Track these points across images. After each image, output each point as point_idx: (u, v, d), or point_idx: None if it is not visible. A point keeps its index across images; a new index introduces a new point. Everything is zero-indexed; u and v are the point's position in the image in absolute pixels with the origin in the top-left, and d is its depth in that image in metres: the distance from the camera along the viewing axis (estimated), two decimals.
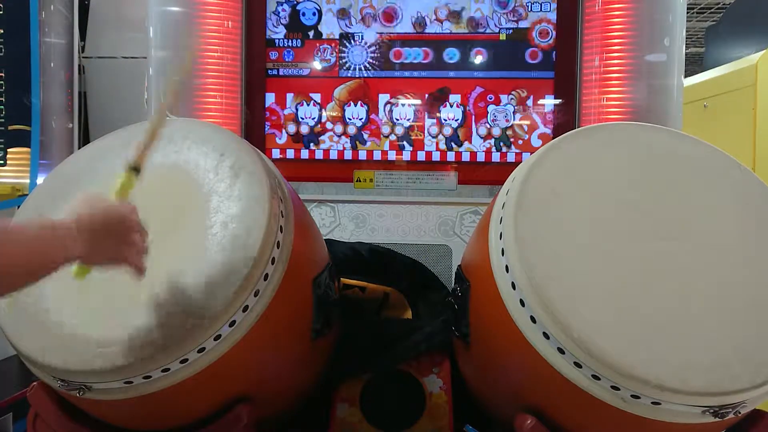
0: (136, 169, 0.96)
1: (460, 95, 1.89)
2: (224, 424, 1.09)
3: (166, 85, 1.08)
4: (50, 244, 0.82)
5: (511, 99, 1.87)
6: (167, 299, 1.00)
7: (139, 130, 1.23)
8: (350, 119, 1.91)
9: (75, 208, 0.88)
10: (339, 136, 1.91)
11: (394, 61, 1.90)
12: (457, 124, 1.89)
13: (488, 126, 1.88)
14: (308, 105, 1.91)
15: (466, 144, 1.89)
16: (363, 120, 1.90)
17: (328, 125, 1.91)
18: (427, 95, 1.89)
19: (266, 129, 1.93)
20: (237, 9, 1.88)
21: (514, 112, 1.88)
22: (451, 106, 1.89)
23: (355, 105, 1.89)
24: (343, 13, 1.90)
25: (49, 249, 0.82)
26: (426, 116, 1.89)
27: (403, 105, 1.90)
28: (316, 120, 1.91)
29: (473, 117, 1.88)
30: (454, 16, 1.88)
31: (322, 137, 1.91)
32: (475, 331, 1.25)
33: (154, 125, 1.00)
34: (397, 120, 1.90)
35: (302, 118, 1.92)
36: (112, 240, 0.90)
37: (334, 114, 1.90)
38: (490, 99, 1.88)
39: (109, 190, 0.94)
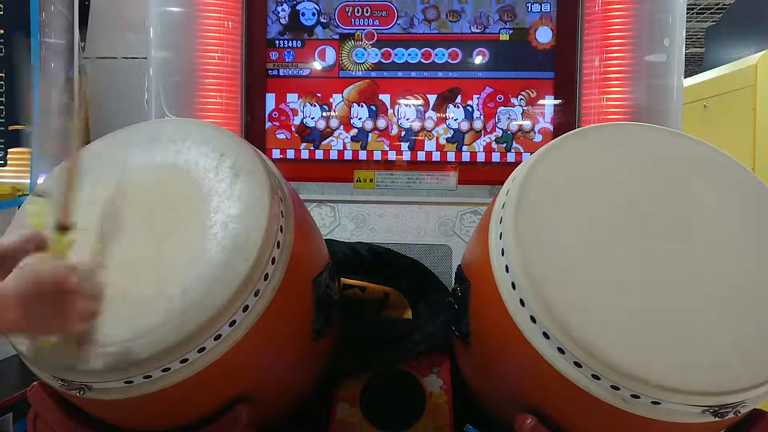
0: (64, 227, 0.91)
1: (460, 95, 1.89)
2: (224, 424, 1.09)
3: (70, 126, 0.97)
4: None
5: (521, 99, 1.87)
6: (167, 299, 1.00)
7: (138, 133, 1.23)
8: (353, 119, 1.91)
9: (13, 272, 0.83)
10: (344, 137, 1.91)
11: (397, 62, 1.90)
12: (463, 125, 1.89)
13: (494, 125, 1.88)
14: (311, 105, 1.92)
15: (465, 144, 1.88)
16: (366, 120, 1.90)
17: (332, 123, 1.91)
18: (436, 96, 1.89)
19: (267, 129, 1.93)
20: (237, 9, 1.88)
21: (522, 114, 1.87)
22: (456, 107, 1.89)
23: (364, 105, 1.89)
24: (343, 13, 1.90)
25: None
26: (434, 116, 1.89)
27: (408, 105, 1.89)
28: (317, 120, 1.91)
29: (483, 117, 1.88)
30: (455, 16, 1.88)
31: (326, 138, 1.91)
32: (475, 331, 1.25)
33: (68, 178, 0.93)
34: (407, 119, 1.89)
35: (305, 118, 1.92)
36: (54, 308, 0.84)
37: (342, 114, 1.90)
38: (500, 99, 1.87)
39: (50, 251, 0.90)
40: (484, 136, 1.88)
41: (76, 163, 0.94)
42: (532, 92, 1.87)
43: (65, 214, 0.92)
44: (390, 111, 1.90)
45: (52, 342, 0.89)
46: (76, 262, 0.88)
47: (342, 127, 1.90)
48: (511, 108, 1.88)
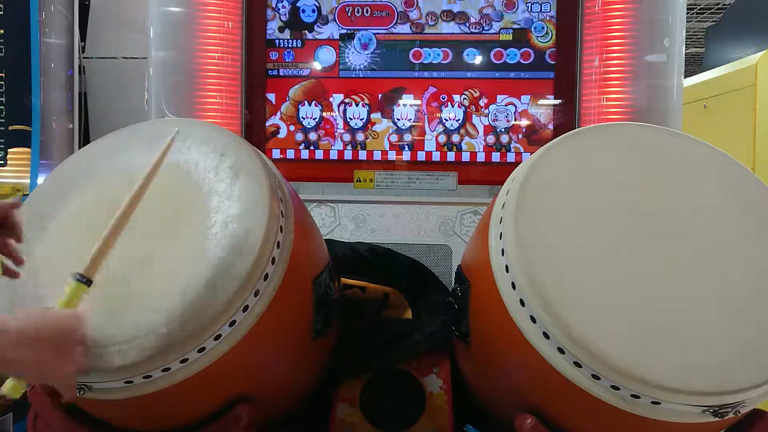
0: (88, 281, 0.94)
1: (459, 95, 1.89)
2: (224, 424, 1.09)
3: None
4: None
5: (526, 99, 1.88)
6: (167, 299, 1.00)
7: (138, 133, 1.23)
8: (351, 119, 1.91)
9: (22, 315, 0.83)
10: (338, 137, 1.91)
11: (403, 62, 1.90)
12: (458, 125, 1.89)
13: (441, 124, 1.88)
14: (309, 105, 1.92)
15: (465, 144, 1.89)
16: (317, 120, 1.91)
17: (329, 123, 1.91)
18: (380, 95, 1.90)
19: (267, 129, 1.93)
20: (237, 9, 1.88)
21: (520, 114, 1.88)
22: (444, 106, 1.89)
23: (310, 105, 1.90)
24: (343, 14, 1.90)
25: None
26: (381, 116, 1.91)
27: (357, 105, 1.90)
28: (317, 120, 1.91)
29: (426, 117, 1.89)
30: (455, 16, 1.88)
31: (324, 138, 1.91)
32: (475, 331, 1.25)
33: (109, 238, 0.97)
34: (351, 119, 1.90)
35: (303, 118, 1.92)
36: (53, 353, 0.83)
37: (289, 114, 1.91)
38: (443, 99, 1.88)
39: (57, 300, 0.91)
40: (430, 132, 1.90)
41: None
42: (475, 91, 1.88)
43: (94, 269, 0.95)
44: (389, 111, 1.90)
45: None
46: (82, 313, 0.89)
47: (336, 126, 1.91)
48: (512, 108, 1.88)
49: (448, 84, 1.89)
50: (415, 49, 1.89)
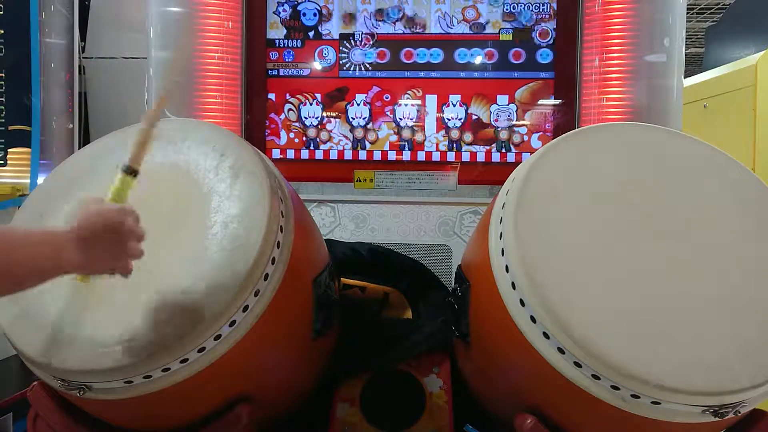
0: (132, 171, 0.95)
1: (460, 95, 1.89)
2: (224, 424, 1.09)
3: (163, 87, 1.00)
4: (49, 254, 0.82)
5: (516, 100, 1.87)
6: (168, 299, 1.00)
7: (130, 134, 1.23)
8: (353, 118, 1.91)
9: (74, 214, 0.87)
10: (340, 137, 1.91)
11: (403, 62, 1.90)
12: (460, 124, 1.89)
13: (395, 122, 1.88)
14: (311, 105, 1.92)
15: (465, 144, 1.89)
16: (318, 119, 1.91)
17: (329, 125, 1.91)
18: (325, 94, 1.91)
19: (266, 129, 1.93)
20: (237, 9, 1.88)
21: (518, 111, 1.88)
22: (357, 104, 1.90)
23: (311, 104, 1.90)
24: (347, 15, 1.90)
25: (47, 258, 0.82)
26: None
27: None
28: (318, 120, 1.91)
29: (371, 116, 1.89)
30: (456, 15, 1.88)
31: (324, 137, 1.91)
32: (475, 331, 1.25)
33: (149, 124, 0.98)
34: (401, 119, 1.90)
35: (305, 118, 1.92)
36: (109, 247, 0.88)
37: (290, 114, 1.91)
38: (387, 99, 1.87)
39: (106, 192, 0.93)
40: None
41: (156, 117, 0.99)
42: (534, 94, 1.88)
43: (138, 159, 0.95)
44: (389, 111, 1.90)
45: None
46: (129, 206, 0.92)
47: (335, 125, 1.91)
48: (514, 108, 1.88)
49: (448, 84, 1.89)
50: (411, 49, 1.89)
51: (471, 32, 1.88)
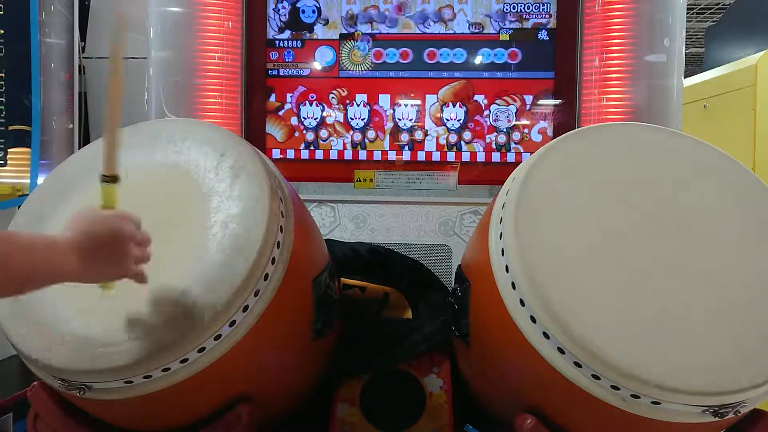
0: (109, 178, 0.94)
1: (460, 95, 1.89)
2: (224, 424, 1.09)
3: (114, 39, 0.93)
4: (50, 260, 0.83)
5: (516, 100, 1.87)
6: (168, 299, 1.00)
7: (138, 133, 1.23)
8: (353, 119, 1.91)
9: (69, 224, 0.87)
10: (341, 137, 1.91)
11: (403, 62, 1.90)
12: (459, 124, 1.89)
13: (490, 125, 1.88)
14: (311, 105, 1.92)
15: (463, 144, 1.89)
16: (318, 120, 1.91)
17: (329, 125, 1.91)
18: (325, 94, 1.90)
19: (266, 129, 1.93)
20: (237, 9, 1.88)
21: (518, 114, 1.88)
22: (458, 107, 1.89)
23: (311, 105, 1.90)
24: (349, 15, 1.90)
25: (46, 265, 0.82)
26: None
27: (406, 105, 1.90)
28: (318, 120, 1.91)
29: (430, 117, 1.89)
30: (456, 15, 1.88)
31: (324, 136, 1.91)
32: (475, 331, 1.25)
33: (110, 129, 0.96)
34: (400, 120, 1.90)
35: (305, 118, 1.92)
36: (110, 254, 0.88)
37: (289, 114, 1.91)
38: (491, 101, 1.88)
39: (98, 201, 0.93)
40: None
41: (116, 119, 0.96)
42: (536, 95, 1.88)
43: (111, 166, 0.94)
44: (389, 111, 1.90)
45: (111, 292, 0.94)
46: (128, 212, 0.92)
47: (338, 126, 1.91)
48: (514, 108, 1.88)
49: (447, 84, 1.89)
50: (410, 49, 1.89)
51: (471, 32, 1.88)
